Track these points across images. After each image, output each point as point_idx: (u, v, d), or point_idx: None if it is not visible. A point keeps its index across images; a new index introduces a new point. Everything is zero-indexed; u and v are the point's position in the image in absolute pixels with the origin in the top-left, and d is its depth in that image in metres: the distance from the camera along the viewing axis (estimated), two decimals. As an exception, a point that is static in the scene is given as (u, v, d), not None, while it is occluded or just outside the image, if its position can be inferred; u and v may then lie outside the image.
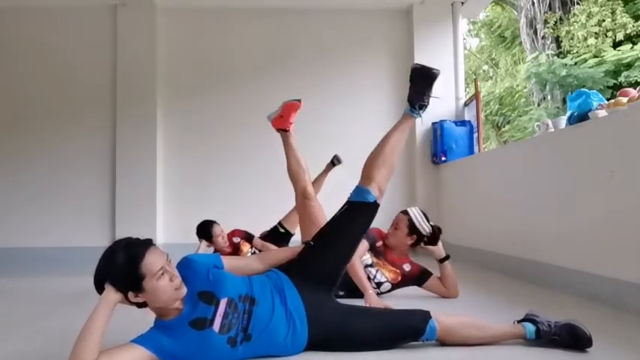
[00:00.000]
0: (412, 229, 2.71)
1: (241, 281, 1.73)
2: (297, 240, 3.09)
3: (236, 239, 3.84)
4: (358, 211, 1.95)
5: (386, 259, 2.78)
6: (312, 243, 1.93)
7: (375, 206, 1.96)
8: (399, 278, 2.75)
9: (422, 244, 2.75)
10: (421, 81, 2.06)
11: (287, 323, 1.69)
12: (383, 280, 2.73)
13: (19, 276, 4.13)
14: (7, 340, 2.07)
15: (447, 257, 2.71)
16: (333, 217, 2.00)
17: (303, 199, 2.52)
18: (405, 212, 2.78)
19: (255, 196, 5.40)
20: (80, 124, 5.43)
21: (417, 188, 5.38)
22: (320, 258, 1.89)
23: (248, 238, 3.90)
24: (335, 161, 4.13)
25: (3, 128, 5.43)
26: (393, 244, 2.78)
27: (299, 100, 2.72)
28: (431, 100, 2.08)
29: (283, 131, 2.76)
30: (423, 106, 2.06)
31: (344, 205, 1.99)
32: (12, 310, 2.73)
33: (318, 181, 3.96)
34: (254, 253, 3.78)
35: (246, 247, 3.80)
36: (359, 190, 1.97)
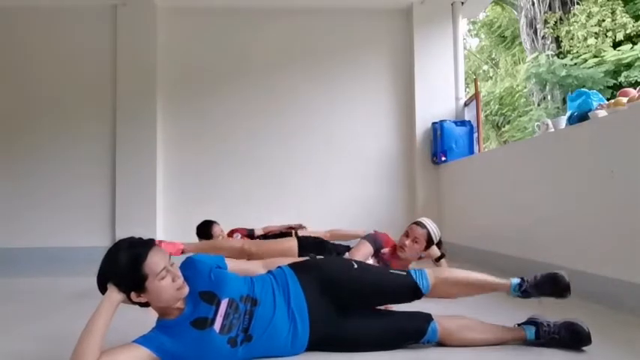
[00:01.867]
0: (429, 242, 2.72)
1: (243, 282, 1.73)
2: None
3: (237, 236, 3.84)
4: (406, 285, 1.84)
5: (391, 267, 2.78)
6: (355, 265, 1.89)
7: (418, 294, 1.85)
8: None
9: None
10: (550, 288, 1.82)
11: (289, 324, 1.69)
12: None
13: (19, 276, 4.13)
14: (7, 340, 2.07)
15: (442, 256, 2.72)
16: (386, 270, 2.01)
17: (251, 257, 2.66)
18: (422, 226, 2.75)
19: (255, 195, 5.40)
20: (80, 125, 5.42)
21: (417, 188, 5.38)
22: (334, 264, 1.90)
23: (249, 235, 3.89)
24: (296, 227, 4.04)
25: (3, 128, 5.42)
26: (407, 257, 2.78)
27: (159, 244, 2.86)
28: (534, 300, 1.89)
29: (182, 253, 2.88)
30: (526, 297, 1.86)
31: (403, 271, 1.91)
32: (12, 310, 2.73)
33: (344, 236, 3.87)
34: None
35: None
36: (424, 275, 1.86)
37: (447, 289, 1.86)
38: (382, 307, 2.14)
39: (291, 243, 2.93)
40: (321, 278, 1.80)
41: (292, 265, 1.86)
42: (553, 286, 1.78)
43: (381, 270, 2.11)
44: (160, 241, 2.92)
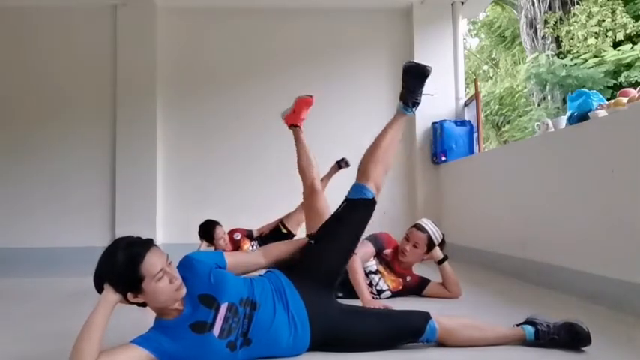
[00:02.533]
0: (430, 246, 2.71)
1: (243, 284, 1.71)
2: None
3: (237, 235, 3.85)
4: (357, 208, 1.96)
5: (393, 269, 2.79)
6: (312, 242, 1.92)
7: (372, 203, 1.97)
8: (400, 287, 2.76)
9: None
10: (414, 79, 2.08)
11: (289, 327, 1.68)
12: (385, 288, 2.73)
13: (20, 276, 4.13)
14: (7, 340, 2.07)
15: (445, 258, 2.71)
16: (332, 214, 2.01)
17: (311, 193, 2.56)
18: (423, 229, 2.73)
19: (256, 195, 5.40)
20: (80, 124, 5.42)
21: (417, 188, 5.38)
22: (320, 256, 1.88)
23: (249, 235, 3.90)
24: (342, 164, 4.09)
25: (3, 128, 5.42)
26: (409, 261, 2.77)
27: (311, 96, 2.76)
28: (424, 97, 2.07)
29: (295, 127, 2.80)
30: (415, 104, 2.07)
31: (342, 203, 1.99)
32: (12, 310, 2.73)
33: (322, 183, 3.92)
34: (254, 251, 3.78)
35: (246, 245, 3.81)
36: (356, 187, 1.98)
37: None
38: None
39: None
40: (316, 274, 1.81)
41: (285, 271, 1.84)
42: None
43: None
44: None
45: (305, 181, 2.63)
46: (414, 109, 2.08)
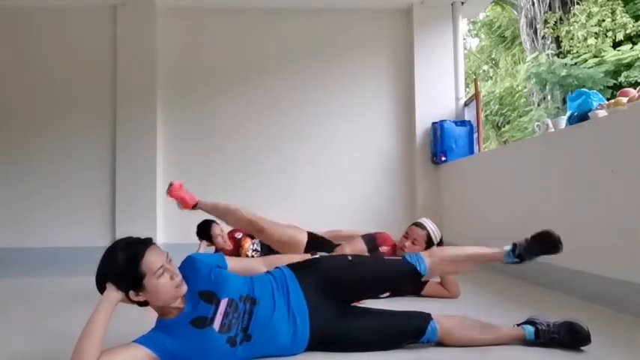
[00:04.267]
0: (429, 243, 2.72)
1: (243, 281, 1.73)
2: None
3: (238, 234, 3.84)
4: (404, 270, 1.89)
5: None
6: (350, 258, 1.92)
7: (417, 276, 1.88)
8: None
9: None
10: (543, 246, 1.87)
11: (288, 323, 1.69)
12: None
13: (20, 276, 4.13)
14: (7, 340, 2.07)
15: None
16: (381, 258, 2.00)
17: (261, 235, 2.59)
18: (422, 227, 2.75)
19: (256, 195, 5.39)
20: (80, 125, 5.42)
21: (417, 188, 5.38)
22: (338, 269, 1.86)
23: (250, 234, 3.89)
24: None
25: (2, 128, 5.42)
26: None
27: (171, 184, 3.01)
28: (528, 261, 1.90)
29: (195, 207, 2.99)
30: (521, 261, 1.88)
31: (398, 257, 1.96)
32: (12, 310, 2.73)
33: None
34: (255, 249, 3.77)
35: (247, 243, 3.80)
36: (419, 256, 1.91)
37: (444, 267, 1.92)
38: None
39: (302, 237, 2.84)
40: (321, 277, 1.80)
41: (291, 266, 1.86)
42: (544, 243, 1.82)
43: (377, 258, 2.13)
44: (177, 183, 2.92)
45: (250, 226, 2.68)
46: (514, 260, 1.89)
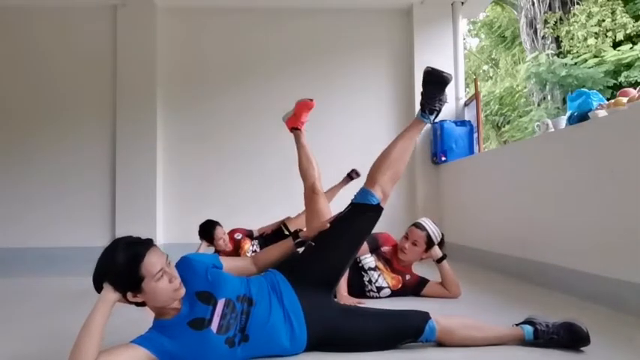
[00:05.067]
0: (429, 245, 2.72)
1: (239, 282, 1.73)
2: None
3: (237, 235, 3.84)
4: (361, 212, 1.95)
5: (392, 266, 2.78)
6: (313, 243, 1.92)
7: (378, 209, 1.95)
8: (400, 286, 2.76)
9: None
10: (433, 85, 1.99)
11: (285, 324, 1.69)
12: (384, 285, 2.73)
13: (20, 276, 4.13)
14: (7, 340, 2.07)
15: (444, 257, 2.71)
16: (335, 217, 2.00)
17: (311, 194, 2.56)
18: (422, 228, 2.74)
19: (256, 195, 5.40)
20: (80, 125, 5.42)
21: (417, 188, 5.38)
22: (319, 258, 1.88)
23: (250, 235, 3.90)
24: (353, 175, 4.09)
25: (2, 128, 5.43)
26: (408, 259, 2.77)
27: (311, 100, 2.76)
28: (444, 105, 2.00)
29: (296, 130, 2.81)
30: (434, 111, 1.99)
31: (347, 207, 1.99)
32: (12, 310, 2.73)
33: (330, 192, 3.89)
34: (254, 250, 3.77)
35: (247, 244, 3.80)
36: (363, 192, 1.97)
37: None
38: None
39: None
40: (311, 274, 1.81)
41: (282, 269, 1.85)
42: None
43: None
44: (313, 102, 2.79)
45: (306, 182, 2.63)
46: (431, 117, 2.00)
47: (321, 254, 1.89)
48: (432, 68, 1.99)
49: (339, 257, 1.91)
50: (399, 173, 2.05)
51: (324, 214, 2.37)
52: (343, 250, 1.92)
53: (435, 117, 2.03)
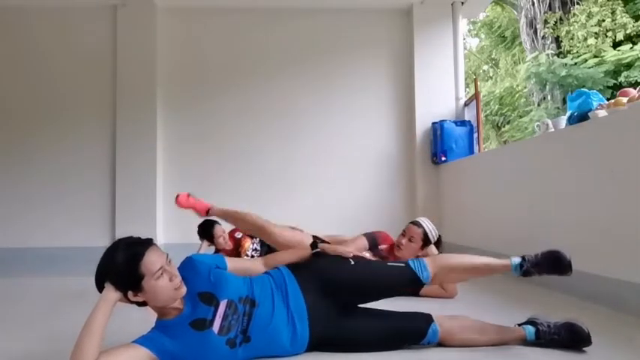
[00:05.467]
0: (426, 241, 2.73)
1: (242, 283, 1.73)
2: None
3: (238, 234, 3.84)
4: (405, 275, 1.87)
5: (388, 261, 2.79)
6: (352, 262, 1.87)
7: (418, 284, 1.88)
8: None
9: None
10: (551, 266, 1.83)
11: (287, 324, 1.69)
12: None
13: (20, 276, 4.13)
14: (7, 340, 2.07)
15: None
16: (385, 262, 1.98)
17: (270, 239, 2.49)
18: (419, 225, 2.76)
19: (256, 195, 5.39)
20: (80, 125, 5.42)
21: (417, 188, 5.38)
22: (339, 268, 1.84)
23: (249, 235, 3.89)
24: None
25: (2, 128, 5.43)
26: (404, 256, 2.77)
27: (177, 195, 2.93)
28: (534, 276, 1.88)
29: (208, 213, 2.90)
30: (527, 275, 1.87)
31: (402, 263, 1.93)
32: (12, 310, 2.73)
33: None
34: (255, 249, 3.77)
35: (247, 243, 3.79)
36: (423, 265, 1.88)
37: (447, 276, 1.89)
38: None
39: (308, 241, 2.80)
40: (320, 278, 1.80)
41: (290, 267, 1.85)
42: (554, 264, 1.79)
43: (380, 263, 2.12)
44: (188, 194, 2.91)
45: (262, 233, 2.54)
46: (520, 274, 1.88)
47: (343, 267, 1.84)
48: (567, 257, 1.81)
49: (355, 283, 1.84)
50: (456, 281, 2.12)
51: (298, 239, 2.35)
52: (364, 283, 1.85)
53: (521, 275, 1.89)
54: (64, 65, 5.47)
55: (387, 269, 1.91)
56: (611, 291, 2.44)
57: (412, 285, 1.87)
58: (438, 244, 2.80)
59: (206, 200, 5.44)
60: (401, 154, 5.53)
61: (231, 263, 1.83)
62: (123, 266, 1.49)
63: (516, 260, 1.86)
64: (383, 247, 2.86)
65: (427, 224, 2.78)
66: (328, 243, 2.88)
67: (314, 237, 2.72)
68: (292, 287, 1.75)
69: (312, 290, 1.76)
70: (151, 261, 1.51)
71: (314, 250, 1.91)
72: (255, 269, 1.88)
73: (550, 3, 10.20)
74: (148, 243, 1.57)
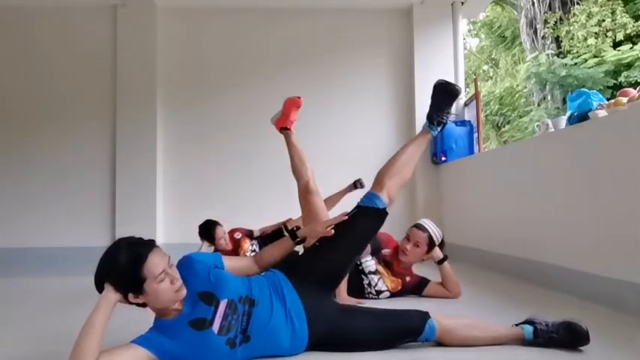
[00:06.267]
0: (431, 246, 2.71)
1: (241, 282, 1.73)
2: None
3: (237, 235, 3.84)
4: (366, 215, 1.95)
5: (393, 270, 2.77)
6: (317, 244, 1.91)
7: (383, 213, 1.96)
8: (399, 287, 2.75)
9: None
10: (442, 97, 2.04)
11: (286, 323, 1.69)
12: (383, 288, 2.72)
13: (20, 276, 4.13)
14: (7, 340, 2.07)
15: (445, 258, 2.71)
16: (338, 219, 1.99)
17: (305, 194, 2.52)
18: (424, 229, 2.73)
19: (256, 195, 5.40)
20: (80, 125, 5.43)
21: (417, 188, 5.38)
22: (322, 259, 1.88)
23: (249, 235, 3.90)
24: (358, 185, 4.03)
25: (2, 128, 5.43)
26: (410, 261, 2.77)
27: (299, 97, 2.71)
28: (450, 117, 2.04)
29: (285, 130, 2.75)
30: (440, 123, 2.04)
31: (353, 209, 1.99)
32: (12, 310, 2.73)
33: (332, 199, 3.87)
34: (254, 250, 3.78)
35: (246, 244, 3.80)
36: (369, 195, 1.99)
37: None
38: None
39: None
40: (314, 276, 1.81)
41: (283, 269, 1.85)
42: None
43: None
44: (300, 100, 2.69)
45: (299, 182, 2.59)
46: (438, 128, 2.06)
47: (324, 255, 1.88)
48: (444, 81, 2.03)
49: (342, 259, 1.91)
50: (406, 179, 2.09)
51: (320, 213, 2.36)
52: (346, 252, 1.92)
53: (442, 129, 2.08)
54: (64, 65, 5.48)
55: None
56: (611, 291, 2.44)
57: (378, 219, 1.94)
58: (442, 245, 2.79)
59: (206, 201, 5.44)
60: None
61: (227, 262, 1.82)
62: (125, 268, 1.48)
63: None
64: (387, 251, 2.82)
65: (431, 227, 2.75)
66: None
67: (291, 230, 2.71)
68: (288, 289, 1.76)
69: (307, 290, 1.76)
70: (154, 264, 1.50)
71: (296, 240, 1.89)
72: (250, 268, 1.89)
73: (550, 3, 10.20)
74: (151, 245, 1.55)
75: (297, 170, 2.61)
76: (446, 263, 2.71)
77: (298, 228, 1.97)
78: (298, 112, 2.77)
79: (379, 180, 2.04)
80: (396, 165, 2.06)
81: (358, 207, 1.98)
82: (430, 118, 2.09)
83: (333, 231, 1.89)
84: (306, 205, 2.50)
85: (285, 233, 3.84)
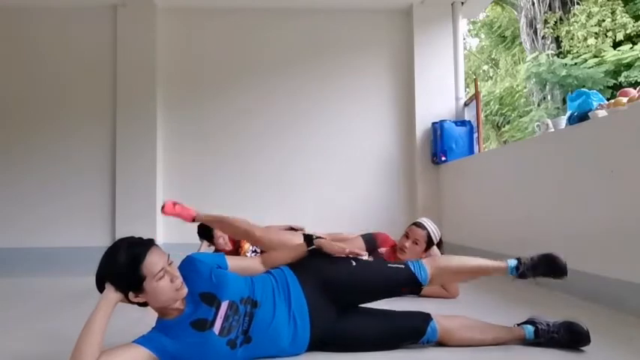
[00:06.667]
0: (429, 244, 2.72)
1: (244, 283, 1.72)
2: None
3: None
4: (405, 278, 1.87)
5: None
6: (353, 263, 1.86)
7: (417, 286, 1.89)
8: None
9: None
10: (545, 268, 1.87)
11: (289, 325, 1.68)
12: None
13: (19, 276, 4.13)
14: (7, 340, 2.07)
15: None
16: (384, 262, 2.03)
17: (257, 243, 2.57)
18: (422, 227, 2.74)
19: (256, 195, 5.40)
20: (80, 125, 5.42)
21: (417, 188, 5.37)
22: (338, 271, 1.83)
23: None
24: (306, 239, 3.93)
25: (2, 128, 5.43)
26: (408, 259, 2.75)
27: (162, 205, 2.86)
28: (530, 280, 1.92)
29: (193, 220, 2.86)
30: (522, 277, 1.90)
31: (401, 264, 1.92)
32: (12, 310, 2.73)
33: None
34: (255, 250, 3.77)
35: (247, 244, 3.79)
36: (422, 266, 1.88)
37: (445, 277, 1.94)
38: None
39: (296, 240, 2.82)
40: (321, 278, 1.79)
41: (291, 266, 1.85)
42: (550, 266, 1.82)
43: (380, 264, 2.10)
44: (174, 203, 2.91)
45: (250, 240, 2.66)
46: (516, 276, 1.91)
47: (341, 270, 1.83)
48: (562, 260, 1.86)
49: (354, 284, 1.83)
50: (453, 282, 2.21)
51: (286, 242, 2.37)
52: (361, 283, 1.84)
53: (518, 278, 1.92)
54: (63, 65, 5.47)
55: (387, 270, 1.91)
56: (611, 291, 2.44)
57: (411, 285, 1.88)
58: (440, 244, 2.79)
59: (206, 201, 5.45)
60: (401, 154, 5.53)
61: (232, 262, 1.82)
62: (124, 267, 1.49)
63: (513, 262, 1.89)
64: (383, 249, 2.83)
65: (430, 225, 2.75)
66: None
67: (308, 235, 2.70)
68: (294, 287, 1.75)
69: (313, 290, 1.76)
70: (153, 262, 1.51)
71: (310, 247, 1.88)
72: (255, 268, 1.88)
73: (550, 3, 10.21)
74: (150, 244, 1.56)
75: (240, 234, 2.69)
76: None
77: (314, 237, 1.96)
78: (175, 208, 2.87)
79: (440, 266, 1.93)
80: (460, 267, 1.98)
81: (405, 265, 1.89)
82: (521, 271, 1.89)
83: (347, 250, 1.87)
84: (272, 245, 2.48)
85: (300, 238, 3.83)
